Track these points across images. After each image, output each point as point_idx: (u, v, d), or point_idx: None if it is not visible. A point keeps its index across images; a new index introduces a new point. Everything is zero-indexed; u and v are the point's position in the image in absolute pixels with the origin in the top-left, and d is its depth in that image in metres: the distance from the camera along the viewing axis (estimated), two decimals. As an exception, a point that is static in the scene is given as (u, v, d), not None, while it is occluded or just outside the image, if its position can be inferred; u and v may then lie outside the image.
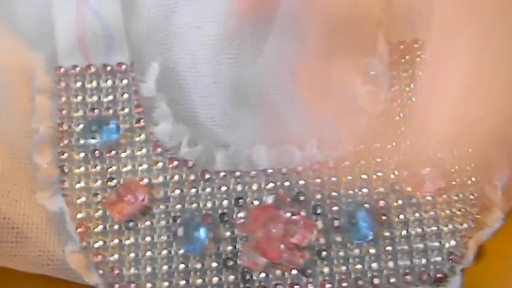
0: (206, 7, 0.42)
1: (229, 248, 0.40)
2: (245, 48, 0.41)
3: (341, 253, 0.40)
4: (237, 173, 0.41)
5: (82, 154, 0.41)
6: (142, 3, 0.42)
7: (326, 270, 0.40)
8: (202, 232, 0.40)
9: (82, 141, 0.41)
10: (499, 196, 0.41)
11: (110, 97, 0.42)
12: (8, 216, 0.39)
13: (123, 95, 0.42)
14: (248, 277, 0.39)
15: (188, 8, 0.42)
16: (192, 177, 0.41)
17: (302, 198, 0.40)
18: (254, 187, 0.41)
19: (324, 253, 0.40)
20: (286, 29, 0.40)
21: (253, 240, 0.40)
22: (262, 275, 0.39)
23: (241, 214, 0.40)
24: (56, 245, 0.40)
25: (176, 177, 0.41)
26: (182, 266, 0.39)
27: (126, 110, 0.42)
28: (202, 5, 0.42)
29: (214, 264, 0.40)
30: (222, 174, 0.41)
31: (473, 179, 0.41)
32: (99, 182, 0.41)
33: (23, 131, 0.41)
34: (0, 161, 0.40)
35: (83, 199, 0.40)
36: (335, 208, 0.40)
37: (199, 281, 0.39)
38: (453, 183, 0.41)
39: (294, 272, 0.40)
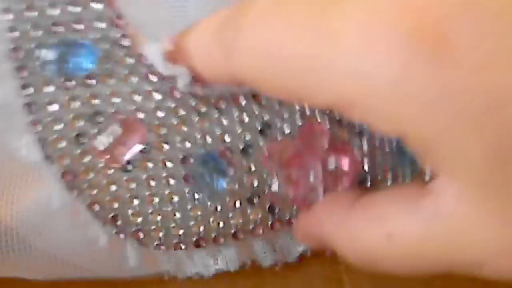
0: None
1: (255, 182, 0.33)
2: None
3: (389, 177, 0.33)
4: (263, 101, 0.32)
5: (51, 87, 0.30)
6: None
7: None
8: (221, 167, 0.32)
9: (49, 71, 0.30)
10: None
11: (79, 8, 0.30)
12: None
13: (97, 3, 0.30)
14: (277, 209, 0.33)
15: None
16: (204, 108, 0.31)
17: (342, 120, 0.32)
18: (286, 114, 0.32)
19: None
20: None
21: (285, 174, 0.32)
22: (294, 208, 0.33)
23: (268, 145, 0.32)
24: None
25: (181, 110, 0.31)
26: (198, 209, 0.33)
27: (103, 24, 0.30)
28: None
29: (237, 204, 0.33)
30: (243, 100, 0.31)
31: None
32: (80, 123, 0.31)
33: None
34: None
35: (63, 144, 0.31)
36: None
37: (221, 222, 0.33)
38: None
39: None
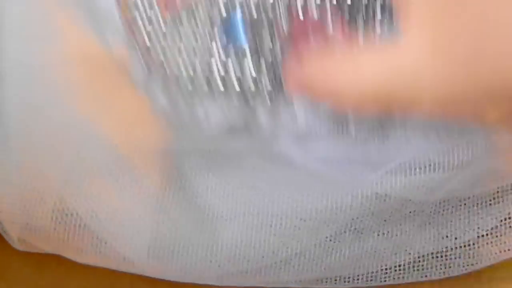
0: None
1: (270, 57, 0.40)
2: None
3: None
4: None
5: None
6: None
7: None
8: (243, 37, 0.39)
9: None
10: None
11: None
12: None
13: None
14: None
15: None
16: None
17: (347, 12, 0.39)
18: None
19: None
20: None
21: (294, 51, 0.39)
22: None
23: (284, 22, 0.39)
24: None
25: None
26: (221, 70, 0.40)
27: None
28: None
29: (252, 68, 0.40)
30: None
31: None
32: None
33: None
34: None
35: None
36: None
37: (236, 86, 0.40)
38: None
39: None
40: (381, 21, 0.39)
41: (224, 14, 0.40)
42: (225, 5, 0.40)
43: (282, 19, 0.39)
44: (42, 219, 0.38)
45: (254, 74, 0.40)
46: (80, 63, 0.38)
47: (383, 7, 0.39)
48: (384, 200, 0.39)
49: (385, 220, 0.42)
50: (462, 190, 0.40)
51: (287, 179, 0.40)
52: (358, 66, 0.35)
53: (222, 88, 0.40)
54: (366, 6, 0.39)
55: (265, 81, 0.40)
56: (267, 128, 0.40)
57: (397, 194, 0.39)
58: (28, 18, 0.38)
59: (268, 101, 0.40)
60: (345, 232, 0.42)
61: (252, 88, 0.40)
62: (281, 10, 0.40)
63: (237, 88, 0.40)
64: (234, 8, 0.40)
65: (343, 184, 0.39)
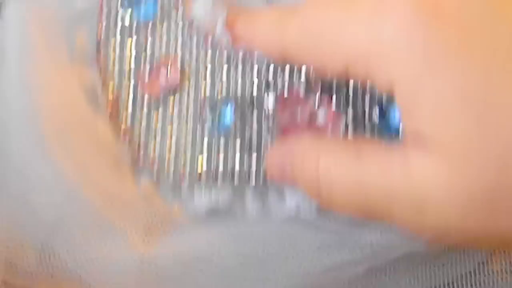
0: None
1: (254, 131, 0.39)
2: None
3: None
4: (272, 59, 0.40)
5: (118, 29, 0.41)
6: None
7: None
8: (228, 112, 0.39)
9: (119, 16, 0.41)
10: None
11: None
12: None
13: None
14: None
15: None
16: (224, 57, 0.40)
17: (333, 88, 0.39)
18: (287, 73, 0.40)
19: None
20: None
21: (279, 126, 0.39)
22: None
23: (270, 102, 0.39)
24: None
25: (208, 57, 0.40)
26: (206, 146, 0.39)
27: None
28: None
29: (238, 146, 0.39)
30: (256, 56, 0.40)
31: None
32: (133, 57, 0.41)
33: None
34: None
35: (116, 72, 0.41)
36: (366, 100, 0.39)
37: (222, 161, 0.39)
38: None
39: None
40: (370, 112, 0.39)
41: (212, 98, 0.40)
42: (211, 89, 0.40)
43: (268, 98, 0.39)
44: (27, 261, 0.38)
45: (239, 154, 0.39)
46: (64, 128, 0.38)
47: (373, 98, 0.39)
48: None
49: None
50: None
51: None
52: (352, 169, 0.32)
53: (205, 168, 0.39)
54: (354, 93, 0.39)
55: (251, 160, 0.39)
56: (253, 210, 0.38)
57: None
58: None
59: (254, 182, 0.38)
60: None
61: (237, 168, 0.39)
62: (267, 90, 0.40)
63: (221, 168, 0.39)
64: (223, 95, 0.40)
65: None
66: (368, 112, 0.39)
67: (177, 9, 0.41)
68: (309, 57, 0.33)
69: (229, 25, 0.39)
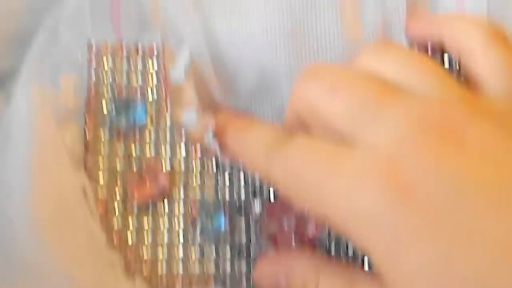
0: None
1: (243, 238, 0.41)
2: None
3: (350, 251, 0.41)
4: None
5: (107, 134, 0.42)
6: None
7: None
8: (219, 221, 0.41)
9: (108, 121, 0.42)
10: None
11: (140, 79, 0.42)
12: None
13: (152, 77, 0.42)
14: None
15: None
16: (213, 165, 0.42)
17: None
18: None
19: (333, 250, 0.41)
20: None
21: (267, 232, 0.41)
22: (274, 266, 0.41)
23: (257, 207, 0.41)
24: None
25: (198, 166, 0.42)
26: (197, 253, 0.41)
27: (155, 94, 0.42)
28: None
29: (228, 254, 0.41)
30: (242, 165, 0.42)
31: None
32: (122, 163, 0.42)
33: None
34: None
35: (105, 179, 0.41)
36: None
37: (213, 269, 0.41)
38: None
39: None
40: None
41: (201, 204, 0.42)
42: (200, 194, 0.42)
43: (255, 204, 0.42)
44: None
45: (230, 259, 0.41)
46: (60, 225, 0.39)
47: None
48: None
49: None
50: None
51: None
52: None
53: (198, 271, 0.41)
54: None
55: (242, 266, 0.41)
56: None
57: None
58: None
59: (245, 284, 0.41)
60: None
61: (228, 270, 0.41)
62: (254, 195, 0.42)
63: (213, 273, 0.41)
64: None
65: None
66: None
67: (165, 115, 0.42)
68: (292, 196, 0.36)
69: (218, 133, 0.40)
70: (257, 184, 0.42)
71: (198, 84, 0.43)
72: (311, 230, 0.41)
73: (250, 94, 0.43)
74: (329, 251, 0.41)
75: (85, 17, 0.42)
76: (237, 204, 0.42)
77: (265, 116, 0.43)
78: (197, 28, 0.42)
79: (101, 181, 0.41)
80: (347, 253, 0.41)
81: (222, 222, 0.41)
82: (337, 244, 0.41)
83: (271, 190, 0.42)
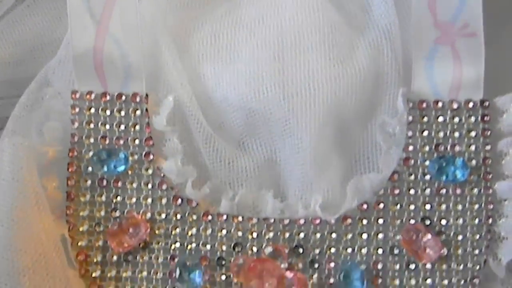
0: None
1: None
2: None
3: None
4: (239, 218, 0.41)
5: (89, 182, 0.41)
6: None
7: (316, 327, 0.40)
8: (197, 274, 0.40)
9: (90, 169, 0.42)
10: (502, 270, 0.40)
11: (122, 127, 0.42)
12: None
13: (135, 126, 0.42)
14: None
15: None
16: (194, 217, 0.41)
17: (300, 250, 0.40)
18: (255, 234, 0.41)
19: None
20: None
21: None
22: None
23: (238, 261, 0.40)
24: None
25: (178, 215, 0.41)
26: None
27: (137, 142, 0.42)
28: None
29: None
30: (224, 217, 0.41)
31: (477, 250, 0.40)
32: (103, 212, 0.41)
33: None
34: None
35: (85, 227, 0.41)
36: (332, 264, 0.40)
37: None
38: (456, 252, 0.40)
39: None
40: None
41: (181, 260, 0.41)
42: (180, 250, 0.41)
43: (236, 258, 0.41)
44: None
45: None
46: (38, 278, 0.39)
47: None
48: None
49: None
50: None
51: None
52: None
53: None
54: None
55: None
56: None
57: None
58: None
59: None
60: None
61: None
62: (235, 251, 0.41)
63: None
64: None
65: None
66: (333, 275, 0.40)
67: (147, 166, 0.41)
68: None
69: None
70: (239, 238, 0.41)
71: (182, 133, 0.42)
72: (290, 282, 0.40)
73: (239, 133, 0.43)
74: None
75: (71, 69, 0.43)
76: (217, 257, 0.41)
77: (255, 153, 0.43)
78: (183, 75, 0.42)
79: (82, 229, 0.41)
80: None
81: (200, 274, 0.40)
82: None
83: (254, 245, 0.41)
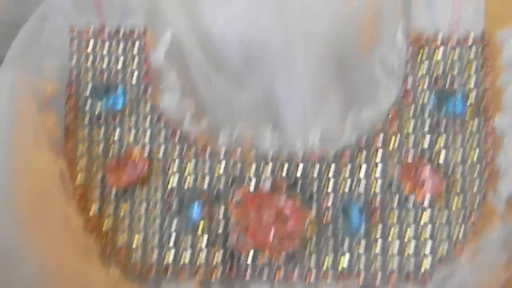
0: None
1: (221, 227, 0.40)
2: None
3: (330, 246, 0.40)
4: (238, 153, 0.41)
5: (87, 118, 0.41)
6: None
7: (313, 261, 0.40)
8: (195, 209, 0.40)
9: (88, 105, 0.41)
10: (502, 205, 0.40)
11: (120, 62, 0.42)
12: None
13: (133, 61, 0.42)
14: (236, 258, 0.40)
15: None
16: (192, 152, 0.41)
17: (298, 186, 0.40)
18: (253, 169, 0.41)
19: (313, 244, 0.40)
20: None
21: (245, 223, 0.40)
22: (250, 258, 0.40)
23: (236, 195, 0.40)
24: None
25: (176, 151, 0.41)
26: (172, 240, 0.40)
27: (135, 78, 0.42)
28: None
29: (204, 242, 0.40)
30: (222, 152, 0.41)
31: (476, 185, 0.40)
32: (101, 148, 0.41)
33: None
34: None
35: (84, 163, 0.41)
36: (330, 199, 0.40)
37: (188, 257, 0.40)
38: (454, 187, 0.40)
39: (281, 259, 0.40)
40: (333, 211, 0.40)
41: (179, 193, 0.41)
42: (178, 183, 0.41)
43: (234, 193, 0.40)
44: None
45: (206, 249, 0.40)
46: (37, 211, 0.39)
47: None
48: None
49: None
50: None
51: None
52: None
53: (171, 260, 0.40)
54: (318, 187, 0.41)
55: (217, 255, 0.40)
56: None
57: None
58: None
59: (220, 274, 0.40)
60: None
61: (204, 262, 0.40)
62: (233, 185, 0.41)
63: (187, 262, 0.40)
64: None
65: None
66: (331, 210, 0.40)
67: (145, 101, 0.41)
68: None
69: None
70: (237, 172, 0.41)
71: (181, 69, 0.42)
72: (291, 225, 0.40)
73: (238, 69, 0.43)
74: (309, 245, 0.40)
75: (69, 5, 0.43)
76: (215, 192, 0.40)
77: (253, 89, 0.42)
78: (181, 11, 0.42)
79: (80, 166, 0.41)
80: (327, 245, 0.40)
81: (199, 210, 0.40)
82: (319, 238, 0.40)
83: (253, 179, 0.41)
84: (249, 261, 0.40)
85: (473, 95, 0.41)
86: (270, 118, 0.42)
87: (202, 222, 0.40)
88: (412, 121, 0.41)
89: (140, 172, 0.41)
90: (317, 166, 0.40)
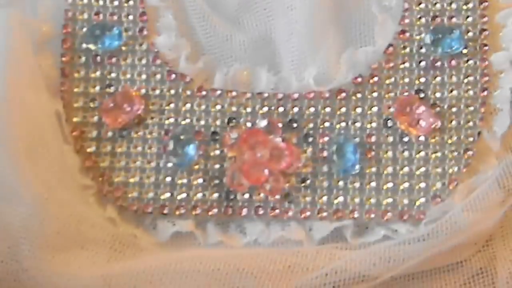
0: None
1: (217, 166, 0.40)
2: None
3: (325, 183, 0.40)
4: (233, 93, 0.41)
5: (83, 58, 0.42)
6: None
7: (308, 198, 0.40)
8: (191, 148, 0.40)
9: (84, 45, 0.42)
10: (497, 143, 0.40)
11: (116, 2, 0.42)
12: None
13: (129, 1, 0.42)
14: (231, 196, 0.40)
15: None
16: (188, 92, 0.41)
17: (294, 125, 0.40)
18: (248, 109, 0.41)
19: (308, 181, 0.40)
20: None
21: (240, 161, 0.40)
22: (246, 196, 0.40)
23: (232, 135, 0.40)
24: None
25: (172, 91, 0.41)
26: (168, 179, 0.40)
27: (131, 17, 0.42)
28: None
29: (200, 181, 0.40)
30: (218, 92, 0.41)
31: (471, 122, 0.40)
32: (97, 88, 0.41)
33: None
34: None
35: (80, 103, 0.41)
36: (325, 138, 0.40)
37: (184, 195, 0.40)
38: (449, 124, 0.40)
39: (277, 196, 0.40)
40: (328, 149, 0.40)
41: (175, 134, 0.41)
42: (174, 124, 0.41)
43: (230, 133, 0.41)
44: None
45: (201, 188, 0.40)
46: (34, 149, 0.39)
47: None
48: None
49: None
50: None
51: None
52: None
53: (167, 198, 0.40)
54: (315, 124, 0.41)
55: (213, 191, 0.40)
56: (214, 239, 0.40)
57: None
58: None
59: (216, 211, 0.40)
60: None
61: (199, 198, 0.40)
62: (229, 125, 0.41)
63: (183, 200, 0.40)
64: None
65: None
66: (327, 148, 0.40)
67: (141, 41, 0.41)
68: None
69: None
70: (233, 112, 0.41)
71: (176, 9, 0.42)
72: (285, 162, 0.40)
73: (235, 10, 0.43)
74: (303, 182, 0.40)
75: None
76: (211, 132, 0.41)
77: (251, 26, 0.43)
78: None
79: (76, 105, 0.41)
80: (322, 183, 0.40)
81: (194, 148, 0.40)
82: (314, 175, 0.40)
83: (248, 118, 0.41)
84: (245, 198, 0.40)
85: (470, 32, 0.40)
86: (267, 59, 0.42)
87: (198, 161, 0.40)
88: (408, 58, 0.40)
89: (136, 112, 0.41)
90: (313, 105, 0.41)
